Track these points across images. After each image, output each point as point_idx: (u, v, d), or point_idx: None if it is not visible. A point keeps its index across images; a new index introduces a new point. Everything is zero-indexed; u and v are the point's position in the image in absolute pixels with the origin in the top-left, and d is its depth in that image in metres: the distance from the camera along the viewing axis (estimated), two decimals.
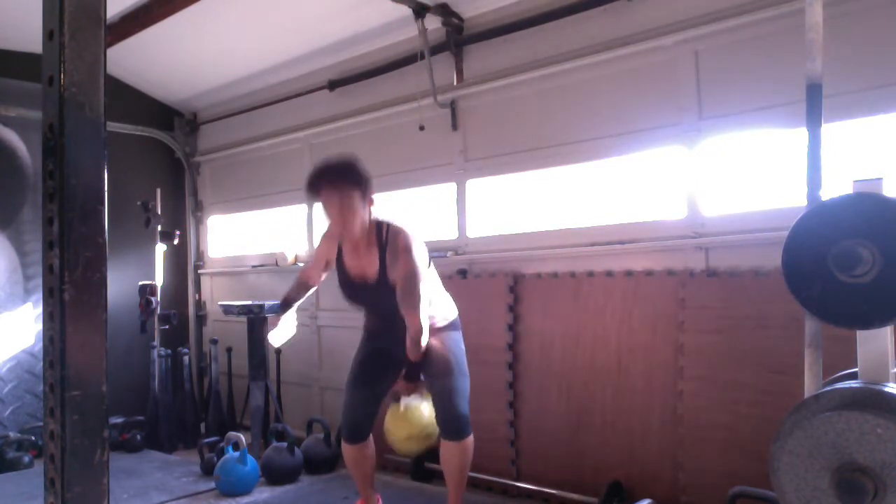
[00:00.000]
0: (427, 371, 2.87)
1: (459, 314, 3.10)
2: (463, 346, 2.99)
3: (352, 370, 3.05)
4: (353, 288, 2.91)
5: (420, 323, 2.72)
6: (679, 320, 3.19)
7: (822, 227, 1.75)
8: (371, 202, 2.78)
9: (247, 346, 4.51)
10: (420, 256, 2.78)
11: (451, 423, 2.84)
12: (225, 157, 5.86)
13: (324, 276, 3.14)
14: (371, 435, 3.05)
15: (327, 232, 2.97)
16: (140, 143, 5.79)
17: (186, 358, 5.18)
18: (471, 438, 2.89)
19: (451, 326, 2.99)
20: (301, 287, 3.13)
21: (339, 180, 2.70)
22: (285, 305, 3.09)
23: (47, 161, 1.15)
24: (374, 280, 2.82)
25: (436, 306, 2.94)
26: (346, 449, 3.03)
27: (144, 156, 5.87)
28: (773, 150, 3.13)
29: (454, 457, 2.87)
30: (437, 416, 2.87)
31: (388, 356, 2.96)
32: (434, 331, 2.88)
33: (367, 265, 2.83)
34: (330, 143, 4.98)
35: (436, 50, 4.10)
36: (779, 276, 1.84)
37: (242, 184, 5.76)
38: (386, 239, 2.79)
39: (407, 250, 2.74)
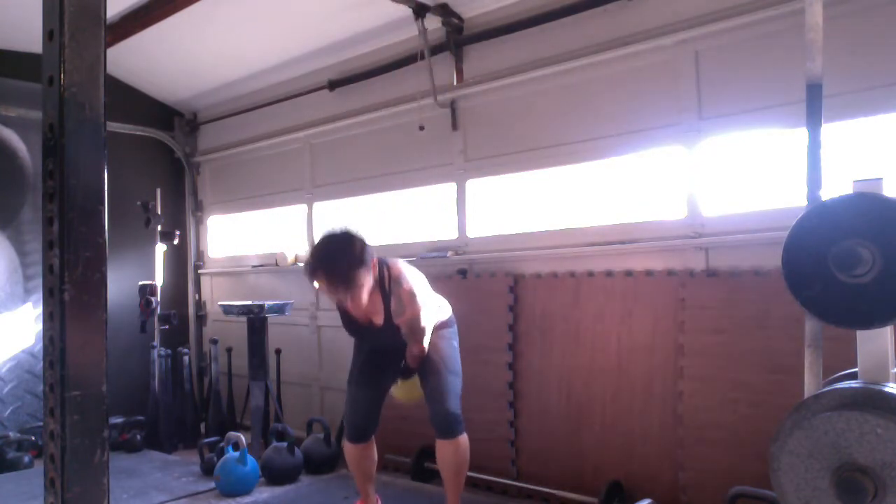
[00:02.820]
0: (419, 370, 2.92)
1: (459, 314, 3.12)
2: (456, 344, 3.00)
3: (352, 371, 3.06)
4: (359, 330, 2.97)
5: (424, 347, 2.85)
6: (679, 320, 3.19)
7: (822, 227, 1.74)
8: (374, 269, 2.73)
9: (247, 346, 4.51)
10: (421, 292, 2.85)
11: (442, 421, 2.87)
12: (225, 157, 5.86)
13: None
14: (374, 436, 3.07)
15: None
16: (140, 143, 5.79)
17: (186, 358, 5.18)
18: (465, 437, 2.90)
19: (443, 325, 3.00)
20: None
21: (341, 275, 2.62)
22: None
23: (47, 161, 1.15)
24: (379, 325, 2.88)
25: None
26: (349, 448, 3.04)
27: (144, 156, 5.86)
28: (773, 150, 3.13)
29: (449, 455, 2.89)
30: (430, 415, 2.90)
31: (387, 356, 2.98)
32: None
33: (372, 312, 2.87)
34: (330, 143, 4.99)
35: (436, 50, 4.10)
36: (779, 276, 1.84)
37: (242, 184, 5.75)
38: (389, 287, 2.82)
39: (411, 296, 2.80)
